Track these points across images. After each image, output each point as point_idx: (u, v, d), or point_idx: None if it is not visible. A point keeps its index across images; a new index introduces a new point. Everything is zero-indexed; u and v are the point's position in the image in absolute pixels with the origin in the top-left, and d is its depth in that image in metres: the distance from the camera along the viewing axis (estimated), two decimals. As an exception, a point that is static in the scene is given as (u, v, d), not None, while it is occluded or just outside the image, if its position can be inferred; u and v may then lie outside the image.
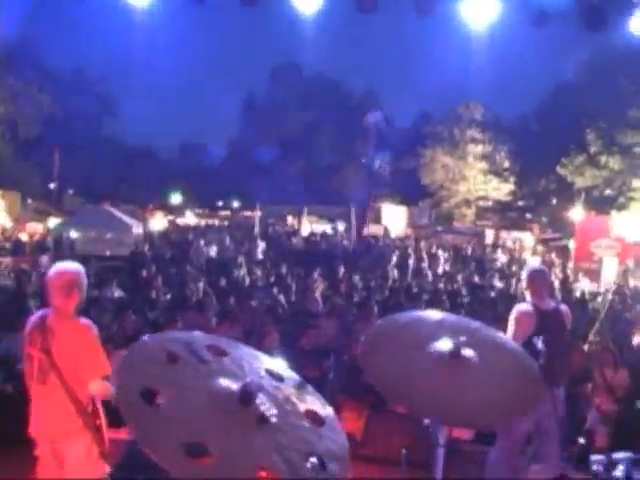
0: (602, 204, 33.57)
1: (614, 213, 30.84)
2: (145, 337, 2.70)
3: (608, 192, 32.85)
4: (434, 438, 3.06)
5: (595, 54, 39.92)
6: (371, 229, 38.24)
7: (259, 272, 20.60)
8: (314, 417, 2.58)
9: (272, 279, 19.47)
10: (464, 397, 2.97)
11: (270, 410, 2.44)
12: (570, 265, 28.88)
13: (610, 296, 13.49)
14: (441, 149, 46.69)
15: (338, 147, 52.30)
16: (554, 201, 44.69)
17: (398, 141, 53.71)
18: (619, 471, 3.37)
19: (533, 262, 22.35)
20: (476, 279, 22.55)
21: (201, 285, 17.02)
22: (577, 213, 35.90)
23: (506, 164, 46.29)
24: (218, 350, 2.64)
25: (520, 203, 47.53)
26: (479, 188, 46.17)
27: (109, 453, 4.87)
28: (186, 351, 2.53)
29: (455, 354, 3.00)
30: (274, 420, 2.43)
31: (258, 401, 2.41)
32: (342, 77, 53.62)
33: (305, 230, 37.08)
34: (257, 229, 33.46)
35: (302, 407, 2.60)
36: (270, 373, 2.70)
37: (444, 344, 3.07)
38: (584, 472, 3.35)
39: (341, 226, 35.40)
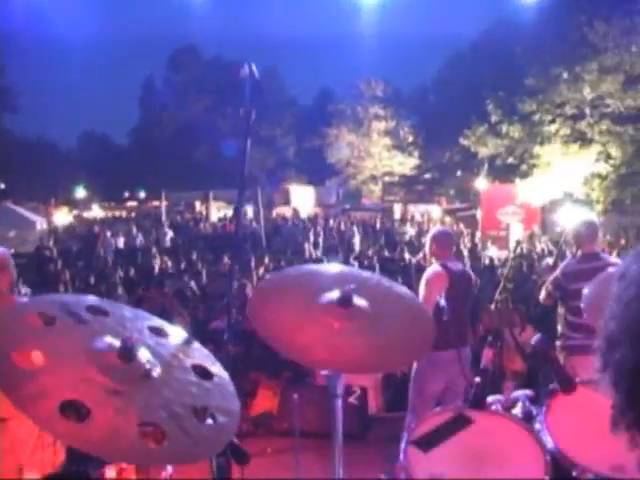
0: (506, 172, 34.15)
1: (518, 181, 31.42)
2: (24, 299, 2.63)
3: (511, 160, 33.34)
4: (331, 389, 3.03)
5: (490, 24, 40.58)
6: (280, 210, 38.21)
7: (168, 260, 20.44)
8: (201, 371, 2.53)
9: (182, 266, 19.35)
10: (356, 344, 2.95)
11: (154, 365, 2.38)
12: (478, 234, 29.35)
13: (511, 254, 13.74)
14: (345, 127, 46.87)
15: (240, 129, 51.90)
16: (459, 172, 45.29)
17: (301, 120, 53.71)
18: (517, 408, 3.40)
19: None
20: (386, 253, 22.79)
21: (111, 276, 16.85)
22: (482, 183, 36.50)
23: (410, 138, 46.78)
24: (98, 310, 2.56)
25: (426, 176, 48.14)
26: (385, 164, 46.57)
27: None
28: (63, 312, 2.44)
29: (344, 301, 2.98)
30: (158, 375, 2.37)
31: (141, 357, 2.34)
32: (241, 59, 53.12)
33: (214, 215, 36.85)
34: (164, 217, 33.13)
35: (188, 362, 2.54)
36: (154, 330, 2.63)
37: (334, 293, 3.04)
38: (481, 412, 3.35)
39: (250, 209, 35.25)
